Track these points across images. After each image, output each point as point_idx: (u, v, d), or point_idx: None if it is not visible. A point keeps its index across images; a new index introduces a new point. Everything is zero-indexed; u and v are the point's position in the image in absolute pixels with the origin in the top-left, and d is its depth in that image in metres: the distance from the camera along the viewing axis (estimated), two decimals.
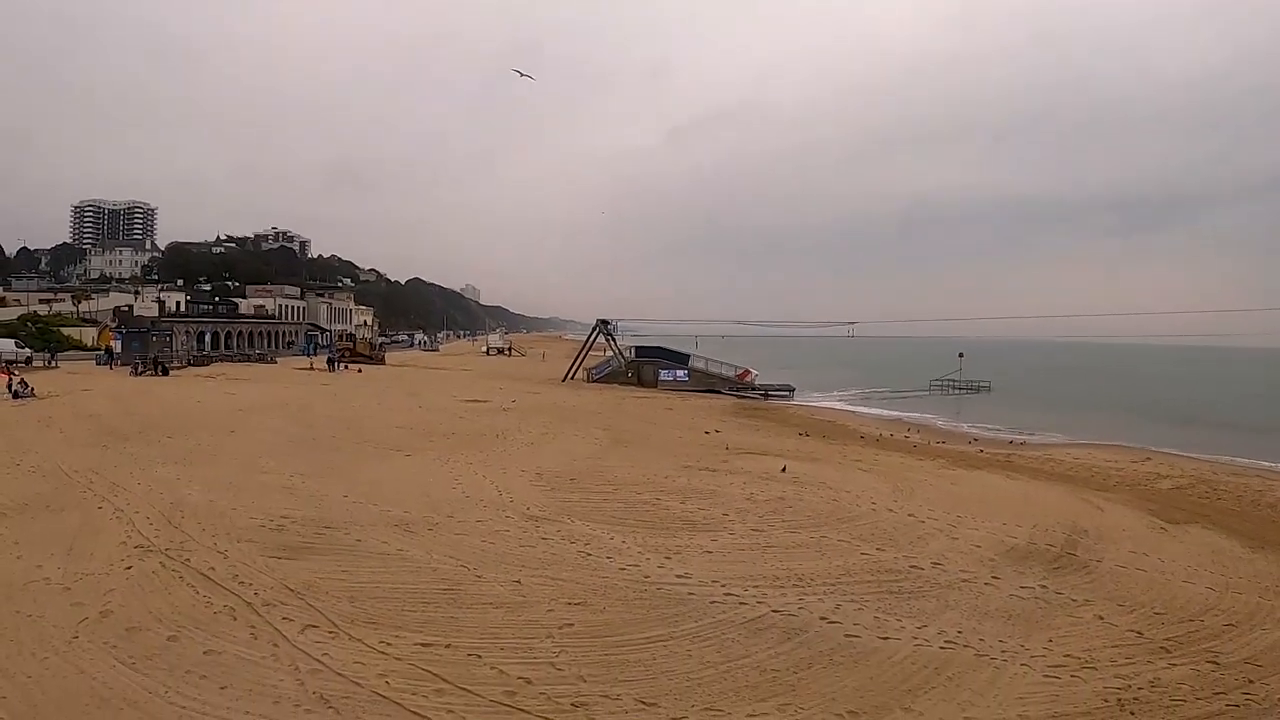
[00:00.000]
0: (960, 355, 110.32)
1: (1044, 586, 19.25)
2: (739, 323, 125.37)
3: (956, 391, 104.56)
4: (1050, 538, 24.51)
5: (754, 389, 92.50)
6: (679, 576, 18.51)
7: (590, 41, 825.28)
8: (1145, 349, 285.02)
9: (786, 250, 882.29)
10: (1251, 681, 14.95)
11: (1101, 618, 17.43)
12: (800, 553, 21.15)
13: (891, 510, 27.14)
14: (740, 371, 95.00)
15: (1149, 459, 48.04)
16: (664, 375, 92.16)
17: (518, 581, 17.80)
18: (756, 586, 17.96)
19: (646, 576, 18.45)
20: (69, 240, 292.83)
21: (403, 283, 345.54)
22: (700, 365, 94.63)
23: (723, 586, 17.84)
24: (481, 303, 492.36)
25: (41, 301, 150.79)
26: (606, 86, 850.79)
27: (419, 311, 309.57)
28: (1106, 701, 13.62)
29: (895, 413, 79.46)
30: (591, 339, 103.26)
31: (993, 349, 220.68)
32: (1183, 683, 14.65)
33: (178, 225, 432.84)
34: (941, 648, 15.33)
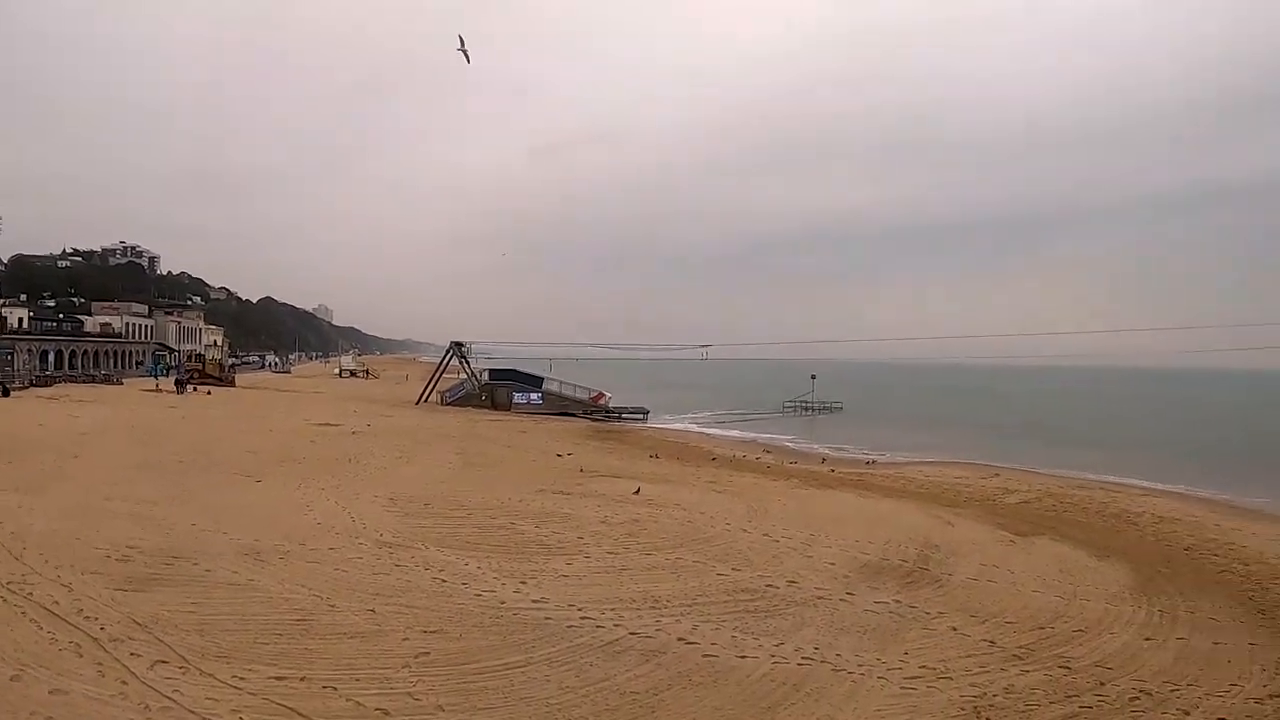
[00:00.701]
0: (813, 377, 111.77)
1: (898, 601, 19.57)
2: (594, 345, 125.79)
3: (809, 413, 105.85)
4: (903, 553, 25.01)
5: (608, 411, 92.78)
6: (535, 601, 18.38)
7: (454, 53, 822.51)
8: (1007, 370, 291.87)
9: (643, 272, 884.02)
10: (1102, 683, 15.48)
11: (955, 629, 17.78)
12: (656, 574, 21.16)
13: (746, 530, 27.35)
14: (594, 394, 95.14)
15: (997, 475, 49.28)
16: (518, 398, 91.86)
17: (372, 610, 17.52)
18: (613, 609, 17.91)
19: (502, 602, 18.29)
20: None
21: (254, 302, 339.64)
22: (554, 388, 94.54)
23: (579, 610, 17.75)
24: (335, 323, 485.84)
25: None
26: (469, 101, 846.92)
27: (270, 332, 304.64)
28: (963, 710, 13.88)
29: (749, 434, 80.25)
30: (445, 361, 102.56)
31: (848, 371, 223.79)
32: (1036, 688, 15.03)
33: (22, 236, 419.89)
34: (799, 664, 15.45)
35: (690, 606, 18.38)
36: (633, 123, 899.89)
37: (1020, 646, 17.11)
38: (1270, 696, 15.79)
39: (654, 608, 18.23)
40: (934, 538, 27.71)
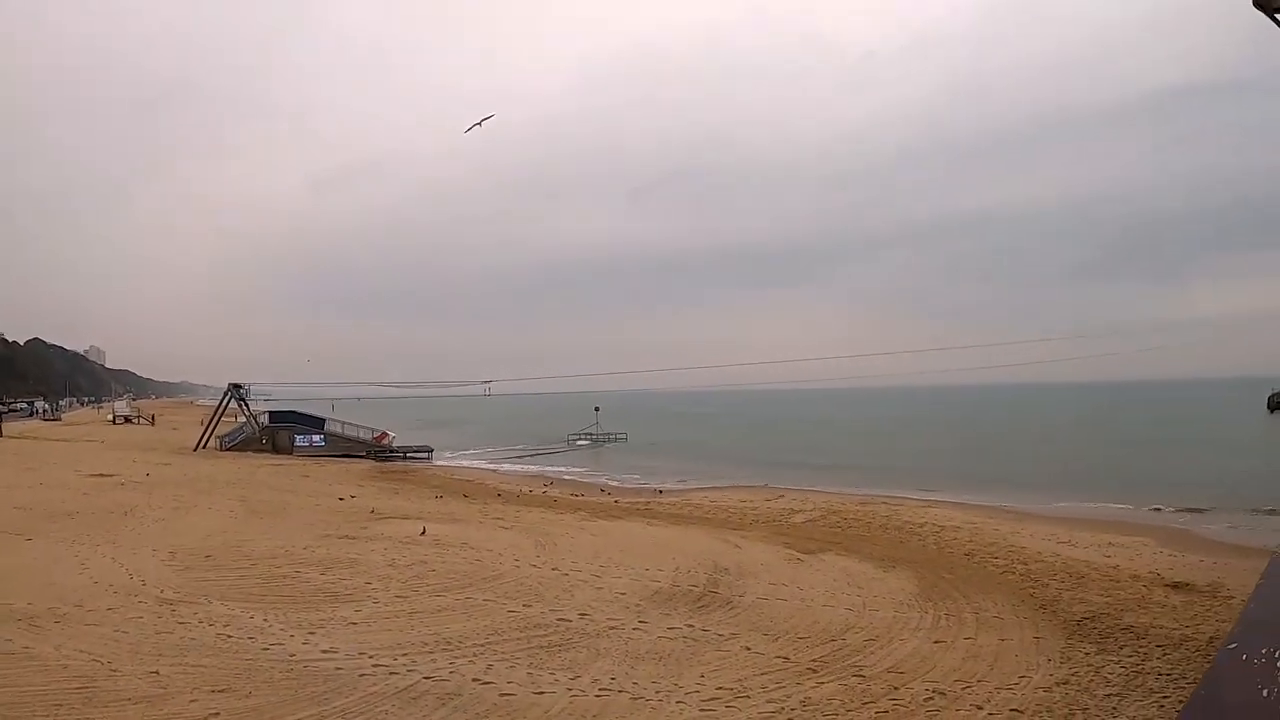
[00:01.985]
0: (596, 409, 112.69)
1: (690, 625, 19.78)
2: (375, 384, 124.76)
3: (594, 444, 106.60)
4: (693, 578, 25.31)
5: (392, 451, 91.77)
6: (325, 651, 18.01)
7: (236, 81, 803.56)
8: (786, 394, 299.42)
9: (423, 308, 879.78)
10: (896, 688, 16.00)
11: (749, 648, 18.06)
12: (447, 616, 20.94)
13: (535, 565, 27.31)
14: (378, 434, 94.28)
15: (782, 496, 50.53)
16: (300, 440, 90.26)
17: (155, 672, 16.94)
18: (406, 654, 17.66)
19: (292, 655, 17.86)
20: None
21: (22, 344, 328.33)
22: (336, 429, 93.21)
23: (371, 658, 17.46)
24: (108, 366, 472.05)
25: None
26: (250, 129, 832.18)
27: (39, 376, 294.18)
28: None
29: (535, 468, 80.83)
30: (223, 405, 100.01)
31: (630, 401, 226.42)
32: (832, 698, 15.40)
33: None
34: (597, 695, 15.47)
35: (484, 646, 18.24)
36: (414, 150, 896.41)
37: (814, 660, 17.50)
38: (1057, 684, 16.59)
39: (447, 649, 18.03)
40: (723, 560, 28.18)
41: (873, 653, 18.08)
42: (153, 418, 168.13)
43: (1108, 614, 22.22)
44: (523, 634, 19.15)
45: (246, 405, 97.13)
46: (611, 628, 19.47)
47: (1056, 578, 27.18)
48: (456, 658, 17.51)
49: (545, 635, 19.02)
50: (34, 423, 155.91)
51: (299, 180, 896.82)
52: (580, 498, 52.16)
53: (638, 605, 21.83)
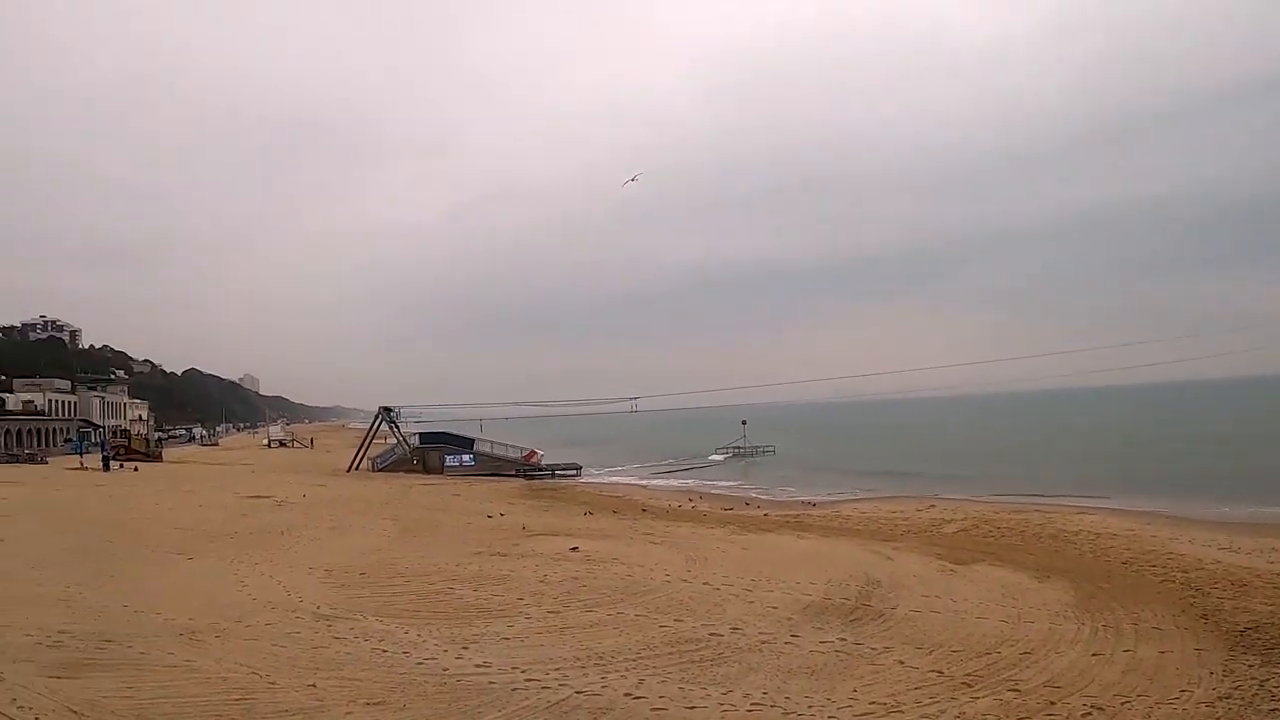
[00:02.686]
0: (743, 423, 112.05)
1: (843, 639, 19.50)
2: (522, 403, 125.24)
3: (742, 458, 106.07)
4: (845, 591, 24.98)
5: (541, 469, 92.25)
6: (478, 666, 18.13)
7: (368, 118, 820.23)
8: (920, 403, 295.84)
9: (568, 327, 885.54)
10: (1053, 703, 15.60)
11: (902, 662, 17.76)
12: (599, 631, 20.93)
13: (686, 580, 27.15)
14: (527, 453, 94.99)
15: (933, 506, 49.83)
16: (450, 460, 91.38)
17: (312, 685, 17.22)
18: (557, 669, 17.70)
19: (445, 669, 18.03)
20: None
21: (179, 374, 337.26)
22: (486, 449, 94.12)
23: (523, 672, 17.53)
24: (261, 393, 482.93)
25: None
26: (386, 163, 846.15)
27: (197, 404, 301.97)
28: None
29: (683, 483, 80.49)
30: (375, 427, 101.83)
31: (774, 414, 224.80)
32: (987, 714, 15.08)
33: None
34: (749, 710, 15.34)
35: (635, 661, 18.20)
36: (549, 174, 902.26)
37: (968, 674, 17.12)
38: (1220, 699, 16.01)
39: (598, 664, 18.04)
40: (875, 573, 27.77)
41: (1028, 666, 17.65)
42: (311, 441, 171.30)
43: (1273, 624, 21.37)
44: (674, 649, 19.06)
45: (397, 427, 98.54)
46: (763, 642, 19.30)
47: (1218, 586, 26.24)
48: (608, 672, 17.51)
49: (697, 650, 18.91)
50: (192, 448, 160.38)
51: (440, 210, 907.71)
52: (730, 512, 51.89)
53: (789, 619, 21.61)
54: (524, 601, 24.67)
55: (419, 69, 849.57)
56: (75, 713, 16.02)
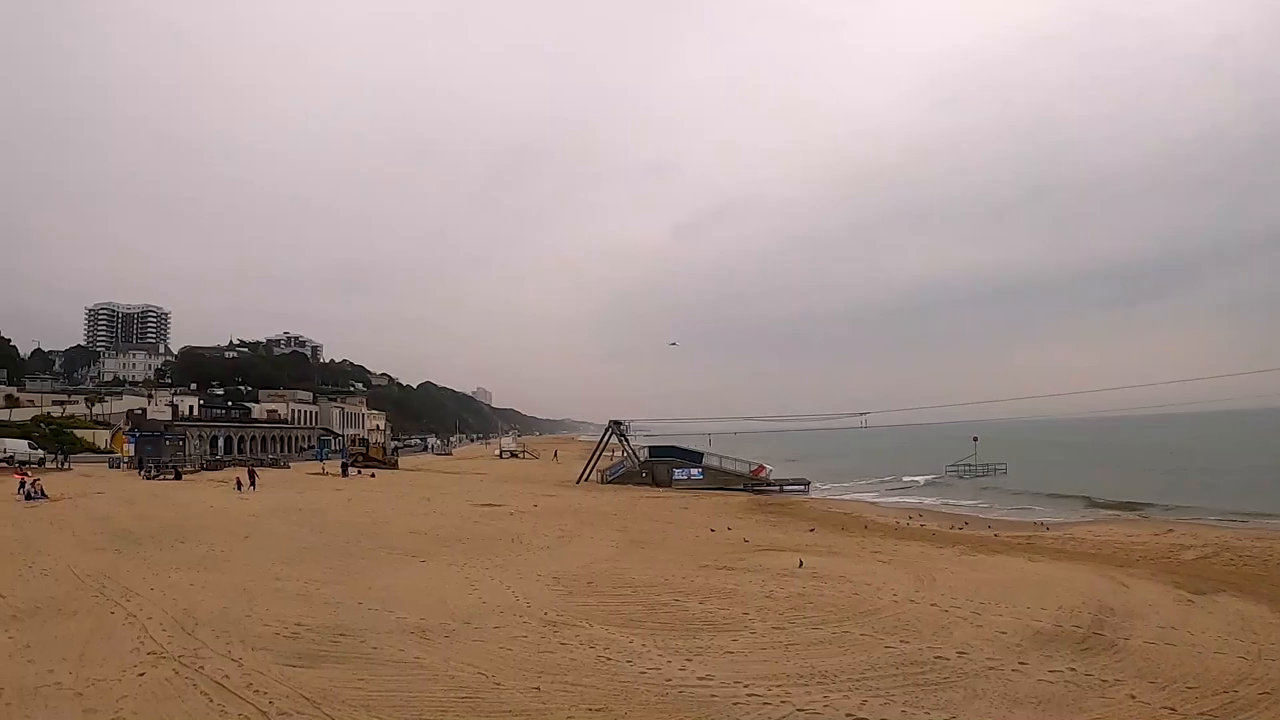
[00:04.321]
0: (975, 439, 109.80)
1: (1073, 669, 18.80)
2: (750, 418, 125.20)
3: (972, 476, 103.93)
4: (1076, 618, 24.03)
5: (769, 484, 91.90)
6: (701, 678, 18.13)
7: (589, 139, 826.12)
8: (1156, 419, 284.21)
9: (795, 341, 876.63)
10: None
11: (1134, 696, 17.05)
12: (823, 649, 20.68)
13: (913, 601, 26.58)
14: (754, 467, 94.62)
15: (1170, 530, 47.98)
16: (678, 474, 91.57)
17: (537, 688, 17.47)
18: (780, 685, 17.57)
19: (668, 680, 18.08)
20: (83, 343, 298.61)
21: (414, 386, 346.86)
22: (714, 463, 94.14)
23: (746, 687, 17.46)
24: (494, 405, 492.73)
25: (55, 403, 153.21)
26: (609, 183, 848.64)
27: (431, 415, 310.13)
28: None
29: (912, 500, 79.34)
30: (605, 440, 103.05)
31: (1007, 431, 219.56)
32: None
33: (190, 328, 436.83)
34: None
35: (859, 681, 17.95)
36: (772, 189, 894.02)
37: (1203, 713, 16.31)
38: None
39: (821, 683, 17.85)
40: (1108, 600, 26.63)
41: (1267, 708, 16.58)
42: (556, 453, 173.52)
43: None
44: (899, 670, 18.73)
45: (627, 440, 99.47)
46: (990, 668, 18.80)
47: None
48: (831, 691, 17.31)
49: (922, 673, 18.53)
50: (427, 457, 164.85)
51: (665, 227, 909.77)
52: (959, 531, 50.84)
53: (1018, 645, 20.96)
54: (749, 616, 24.56)
55: (636, 89, 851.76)
56: (308, 700, 16.61)
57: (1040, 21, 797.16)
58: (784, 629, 22.98)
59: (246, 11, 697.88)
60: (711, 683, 17.84)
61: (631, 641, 21.48)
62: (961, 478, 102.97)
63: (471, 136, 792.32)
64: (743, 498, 79.10)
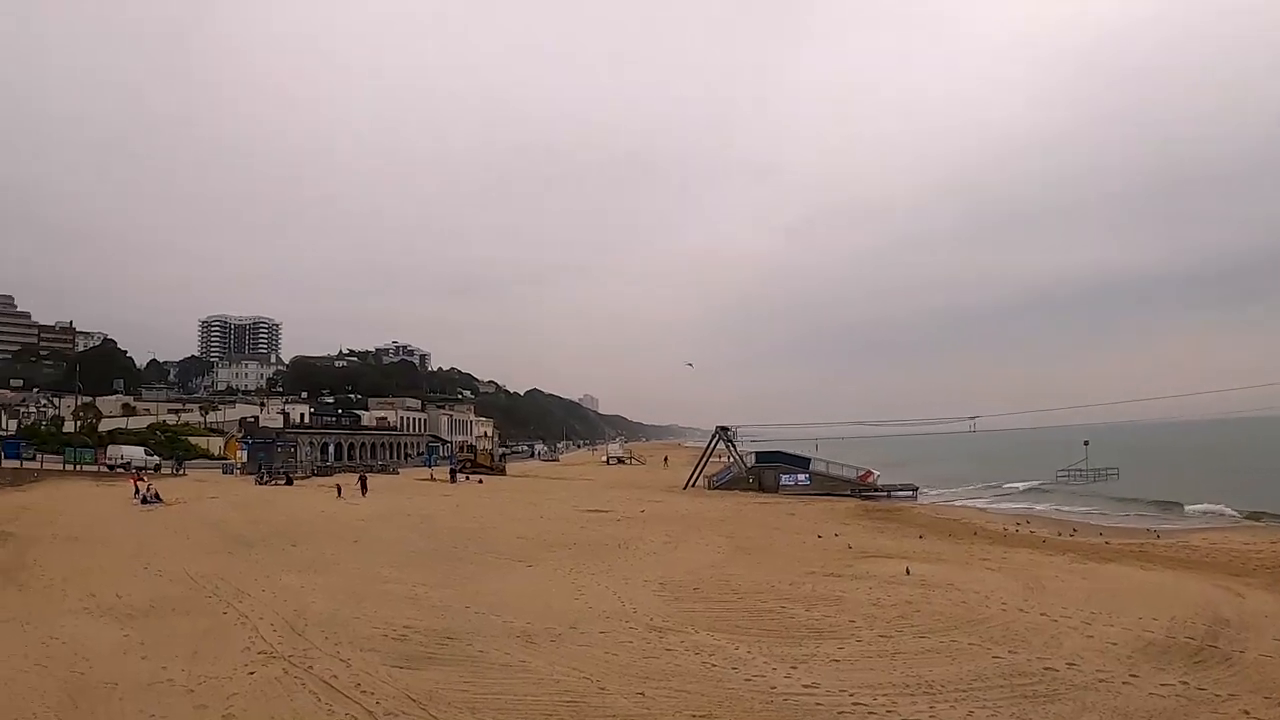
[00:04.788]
0: (1085, 443, 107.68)
1: (1185, 683, 18.39)
2: (857, 423, 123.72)
3: (1083, 481, 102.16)
4: (1190, 630, 23.48)
5: (876, 489, 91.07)
6: (806, 686, 18.09)
7: (695, 145, 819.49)
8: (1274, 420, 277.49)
9: (904, 344, 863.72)
10: None
11: (1248, 712, 16.62)
12: (929, 658, 20.53)
13: (1022, 610, 26.24)
14: (862, 473, 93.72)
15: None
16: (785, 480, 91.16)
17: (641, 694, 17.56)
18: (885, 695, 17.47)
19: (773, 687, 18.06)
20: (197, 353, 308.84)
21: (521, 394, 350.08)
22: (821, 468, 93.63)
23: (851, 696, 17.38)
24: (600, 412, 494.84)
25: (170, 411, 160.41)
26: (715, 188, 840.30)
27: (538, 422, 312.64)
28: None
29: (1021, 506, 78.11)
30: (711, 446, 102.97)
31: (1117, 433, 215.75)
32: None
33: (301, 338, 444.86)
34: None
35: (965, 692, 17.77)
36: (880, 192, 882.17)
37: None
38: None
39: (928, 693, 17.71)
40: (1223, 611, 25.98)
41: None
42: (666, 459, 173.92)
43: None
44: (1006, 681, 18.51)
45: (734, 446, 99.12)
46: (1100, 680, 18.47)
47: None
48: (937, 702, 17.18)
49: (1030, 684, 18.27)
50: (534, 463, 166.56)
51: (774, 230, 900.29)
52: (1070, 538, 49.81)
53: (1129, 657, 20.55)
54: (855, 624, 24.50)
55: (743, 92, 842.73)
56: (414, 701, 16.89)
57: (1159, 15, 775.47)
58: (890, 637, 22.90)
59: (348, 26, 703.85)
60: (816, 691, 17.80)
61: (737, 648, 21.53)
62: (1072, 483, 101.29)
63: (579, 144, 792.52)
64: (850, 503, 78.55)
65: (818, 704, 16.99)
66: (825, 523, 56.80)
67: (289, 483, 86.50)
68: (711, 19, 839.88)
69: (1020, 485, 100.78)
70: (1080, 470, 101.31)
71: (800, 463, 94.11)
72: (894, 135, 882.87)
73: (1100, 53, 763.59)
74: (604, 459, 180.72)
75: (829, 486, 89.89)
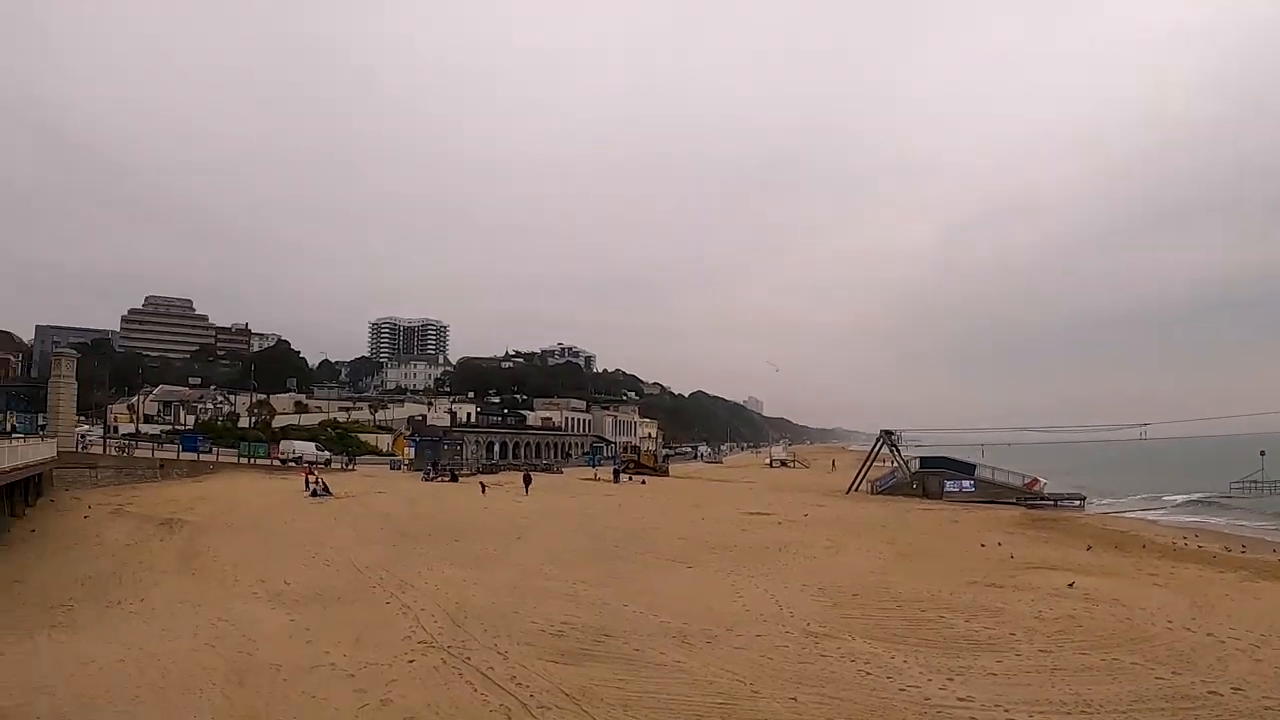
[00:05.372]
0: (1262, 454, 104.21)
1: None
2: (1023, 429, 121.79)
3: (1259, 494, 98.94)
4: None
5: (1042, 498, 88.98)
6: (961, 699, 17.95)
7: (850, 143, 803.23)
8: None
9: (1069, 347, 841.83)
10: None
11: None
12: (1090, 676, 20.15)
13: (1189, 629, 25.51)
14: (1028, 480, 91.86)
15: None
16: (949, 486, 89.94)
17: (794, 699, 17.63)
18: (1043, 712, 17.25)
19: (927, 699, 17.98)
20: (367, 354, 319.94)
21: (686, 395, 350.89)
22: (986, 475, 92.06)
23: (1006, 711, 17.21)
24: (764, 414, 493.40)
25: (341, 409, 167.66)
26: (872, 187, 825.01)
27: (703, 423, 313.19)
28: None
29: (1192, 519, 76.00)
30: (876, 450, 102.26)
31: None
32: None
33: (468, 338, 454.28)
34: None
35: (1125, 714, 17.43)
36: (1042, 187, 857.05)
37: None
38: None
39: (1086, 713, 17.43)
40: None
41: None
42: (834, 462, 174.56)
43: None
44: (1168, 704, 18.07)
45: (898, 451, 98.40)
46: (1267, 708, 17.83)
47: None
48: None
49: (1193, 709, 17.79)
50: (697, 465, 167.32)
51: (935, 229, 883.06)
52: (1241, 554, 48.24)
53: None
54: (1015, 637, 24.20)
55: (895, 89, 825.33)
56: (568, 696, 17.25)
57: None
58: (1051, 652, 22.56)
59: (521, 37, 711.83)
60: (972, 705, 17.67)
61: (893, 657, 21.50)
62: (1246, 495, 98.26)
63: (734, 145, 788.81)
64: (1015, 512, 76.89)
65: (972, 718, 16.87)
66: (988, 531, 55.96)
67: (454, 479, 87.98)
68: (855, 12, 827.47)
69: (1191, 497, 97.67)
70: (1256, 482, 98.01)
71: (965, 469, 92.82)
72: (1052, 127, 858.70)
73: (1259, 45, 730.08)
74: (767, 461, 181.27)
75: (994, 494, 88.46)
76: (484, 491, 74.32)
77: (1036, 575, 36.03)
